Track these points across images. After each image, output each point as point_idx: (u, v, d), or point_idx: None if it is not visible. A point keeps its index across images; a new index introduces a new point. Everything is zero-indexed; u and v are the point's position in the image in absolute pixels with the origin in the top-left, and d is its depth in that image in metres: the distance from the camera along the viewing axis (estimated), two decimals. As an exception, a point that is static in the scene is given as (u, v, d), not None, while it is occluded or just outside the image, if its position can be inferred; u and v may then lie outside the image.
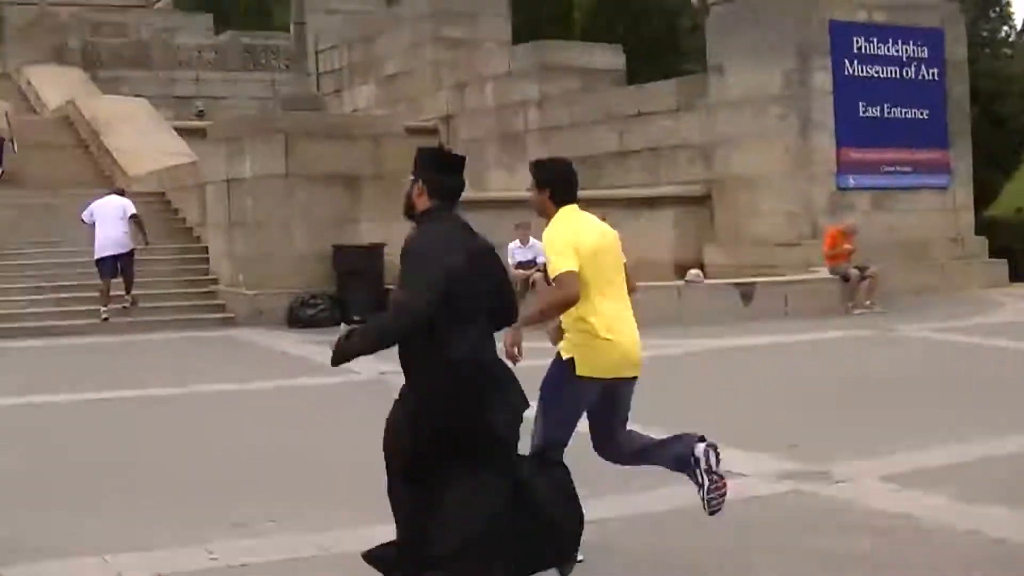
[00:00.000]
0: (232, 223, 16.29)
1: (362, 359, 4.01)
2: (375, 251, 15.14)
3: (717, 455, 4.69)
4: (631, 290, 4.70)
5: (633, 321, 4.64)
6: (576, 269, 4.36)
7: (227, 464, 7.12)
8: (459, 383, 3.76)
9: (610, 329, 4.48)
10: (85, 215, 15.46)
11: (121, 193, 16.24)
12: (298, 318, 15.05)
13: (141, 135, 23.42)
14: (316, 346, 12.23)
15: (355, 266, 15.13)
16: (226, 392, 10.08)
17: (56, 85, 30.26)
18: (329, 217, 15.77)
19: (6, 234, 17.55)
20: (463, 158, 4.13)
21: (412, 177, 4.01)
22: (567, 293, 4.34)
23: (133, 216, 15.45)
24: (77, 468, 7.04)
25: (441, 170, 4.00)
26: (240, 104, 32.50)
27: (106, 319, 14.95)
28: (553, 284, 4.40)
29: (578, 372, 4.47)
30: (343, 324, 13.22)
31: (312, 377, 10.60)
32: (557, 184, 4.59)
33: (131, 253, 15.32)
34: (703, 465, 4.63)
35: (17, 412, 9.04)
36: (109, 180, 21.32)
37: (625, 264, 4.72)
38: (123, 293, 15.31)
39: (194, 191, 18.43)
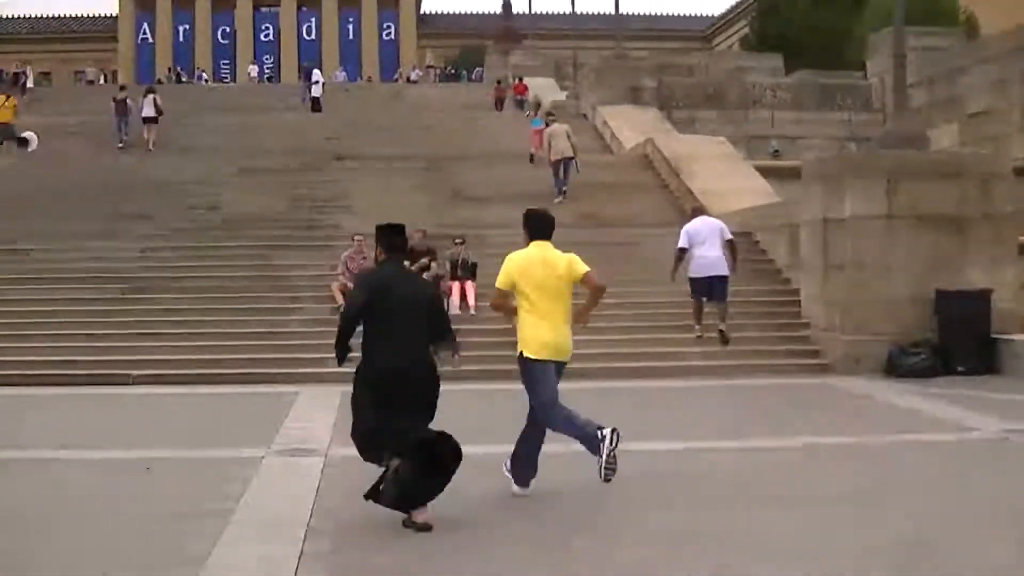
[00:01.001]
0: (828, 265, 19.67)
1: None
2: (982, 297, 17.76)
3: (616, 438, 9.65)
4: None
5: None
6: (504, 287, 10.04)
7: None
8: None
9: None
10: (680, 243, 19.96)
11: (704, 212, 20.73)
12: (898, 366, 17.96)
13: (722, 174, 28.39)
14: (922, 399, 14.71)
15: (960, 313, 17.80)
16: (836, 447, 12.17)
17: (631, 124, 36.64)
18: (931, 260, 18.68)
19: (599, 271, 22.65)
20: (396, 226, 9.51)
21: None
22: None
23: (729, 241, 19.82)
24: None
25: (390, 237, 9.48)
26: (815, 144, 37.12)
27: (699, 336, 19.55)
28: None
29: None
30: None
31: (924, 433, 12.72)
32: (531, 223, 10.29)
33: (726, 278, 19.59)
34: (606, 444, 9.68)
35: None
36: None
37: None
38: (716, 322, 19.63)
39: (783, 231, 22.33)
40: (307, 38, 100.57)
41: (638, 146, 33.76)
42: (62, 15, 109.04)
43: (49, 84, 74.32)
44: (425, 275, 21.65)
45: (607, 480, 9.67)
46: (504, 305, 10.26)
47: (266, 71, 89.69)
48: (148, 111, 38.61)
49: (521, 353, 10.01)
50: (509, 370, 18.94)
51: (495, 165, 32.96)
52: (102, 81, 75.42)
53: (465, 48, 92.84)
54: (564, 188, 29.51)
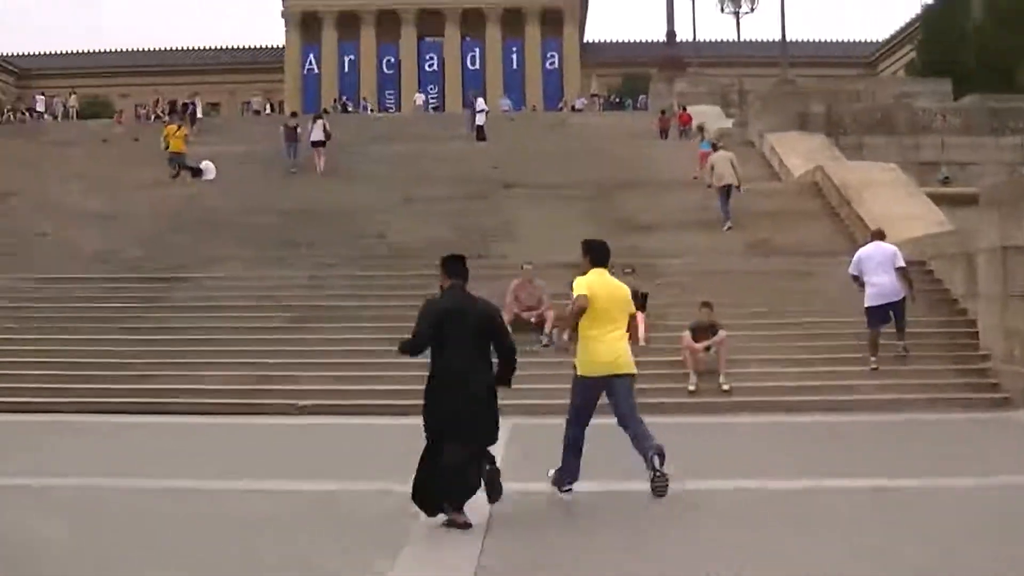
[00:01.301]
0: (1007, 294, 19.07)
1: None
2: None
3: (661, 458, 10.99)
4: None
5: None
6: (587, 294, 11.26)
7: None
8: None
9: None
10: (852, 269, 19.87)
11: (882, 237, 20.35)
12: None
13: (893, 202, 27.85)
14: None
15: None
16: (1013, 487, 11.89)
17: (799, 151, 36.12)
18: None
19: (772, 300, 22.60)
20: (458, 257, 11.14)
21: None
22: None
23: (901, 268, 19.50)
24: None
25: (453, 265, 11.07)
26: (987, 170, 36.32)
27: (875, 368, 19.29)
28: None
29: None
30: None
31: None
32: (589, 251, 11.81)
33: (903, 300, 19.40)
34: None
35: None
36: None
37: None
38: (896, 341, 19.55)
39: (959, 260, 21.70)
40: (471, 67, 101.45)
41: (807, 173, 33.48)
42: (230, 47, 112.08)
43: (217, 114, 76.33)
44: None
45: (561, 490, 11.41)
46: (576, 316, 11.53)
47: (431, 100, 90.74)
48: (317, 135, 39.61)
49: (575, 369, 11.68)
50: (681, 403, 19.10)
51: (662, 193, 32.76)
52: (268, 111, 77.23)
53: (628, 76, 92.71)
54: (728, 216, 29.53)
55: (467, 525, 10.12)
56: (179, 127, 39.82)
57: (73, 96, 70.23)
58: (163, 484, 12.60)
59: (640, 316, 21.42)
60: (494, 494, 10.49)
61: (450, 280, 11.09)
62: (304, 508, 11.37)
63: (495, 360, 10.84)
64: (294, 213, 30.92)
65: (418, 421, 16.89)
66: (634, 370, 11.72)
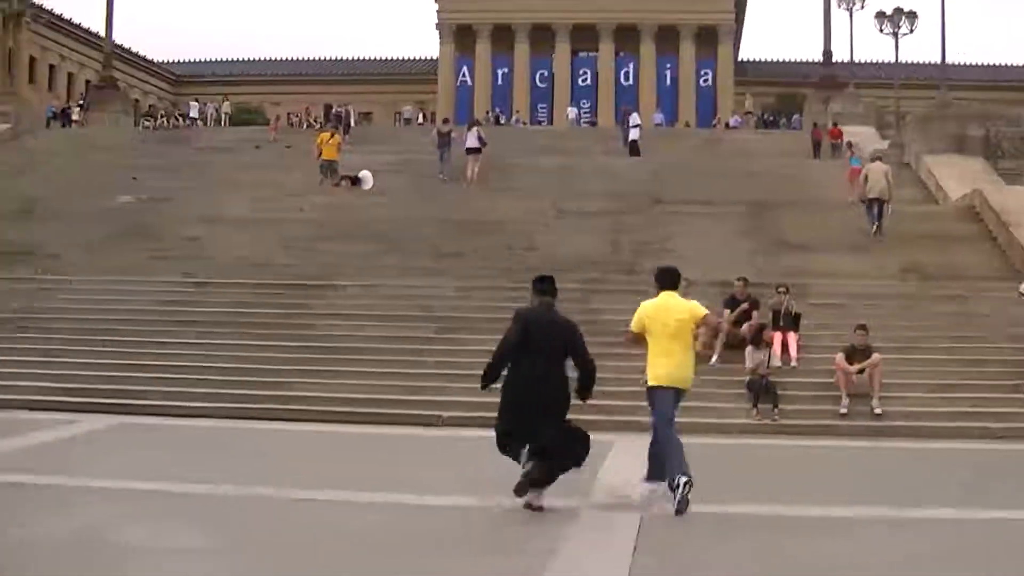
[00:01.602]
0: None
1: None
2: None
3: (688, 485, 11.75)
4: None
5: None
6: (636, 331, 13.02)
7: None
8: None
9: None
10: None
11: None
12: None
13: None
14: None
15: None
16: None
17: (957, 174, 35.43)
18: None
19: (926, 324, 21.97)
20: (548, 277, 12.61)
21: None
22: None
23: None
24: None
25: (544, 285, 12.51)
26: None
27: None
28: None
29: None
30: None
31: None
32: (659, 278, 13.14)
33: None
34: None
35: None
36: (1020, 274, 25.21)
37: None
38: None
39: None
40: (624, 83, 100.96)
41: (964, 197, 32.83)
42: (382, 57, 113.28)
43: (369, 124, 77.13)
44: (746, 326, 21.18)
45: (679, 512, 11.79)
46: (635, 343, 13.44)
47: (583, 115, 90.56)
48: (472, 142, 39.74)
49: (647, 381, 12.93)
50: (831, 425, 18.78)
51: (817, 213, 32.24)
52: (420, 120, 77.66)
53: (782, 95, 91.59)
54: (878, 224, 29.43)
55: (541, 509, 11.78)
56: (332, 134, 40.07)
57: (227, 103, 71.39)
58: (301, 495, 12.55)
59: (792, 336, 21.23)
60: (521, 488, 11.74)
61: (539, 298, 12.64)
62: (450, 523, 11.27)
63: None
64: (445, 223, 30.94)
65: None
66: (687, 386, 13.12)
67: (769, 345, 20.71)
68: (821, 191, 35.93)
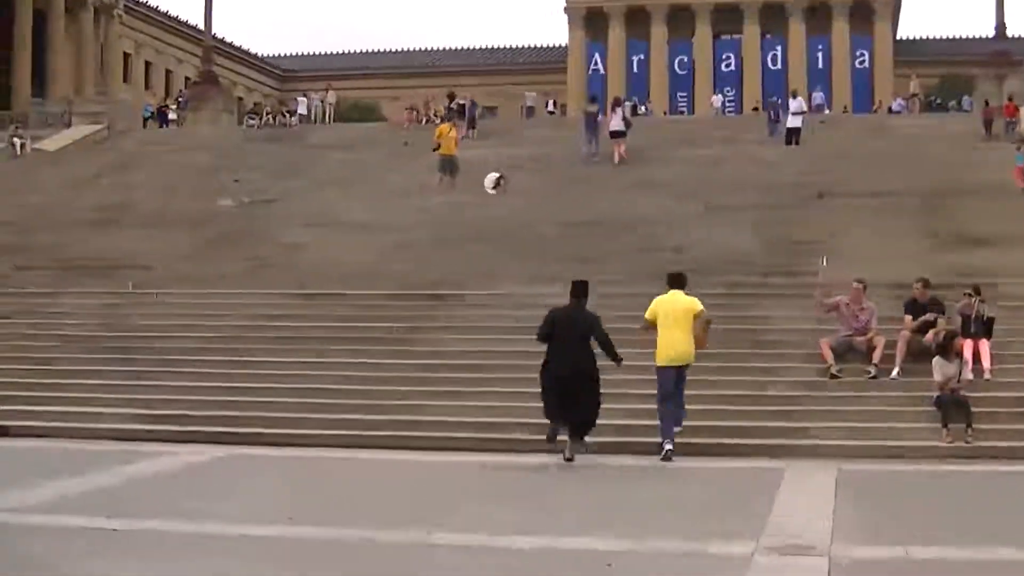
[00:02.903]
0: None
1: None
2: None
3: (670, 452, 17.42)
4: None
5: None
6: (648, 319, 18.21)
7: None
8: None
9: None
10: None
11: None
12: None
13: None
14: None
15: None
16: None
17: None
18: None
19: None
20: (582, 282, 18.07)
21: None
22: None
23: None
24: None
25: (575, 288, 17.99)
26: None
27: None
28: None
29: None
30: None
31: None
32: (669, 280, 18.60)
33: None
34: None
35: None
36: None
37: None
38: None
39: None
40: (772, 67, 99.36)
41: None
42: (506, 46, 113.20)
43: (493, 117, 76.69)
44: (931, 333, 20.09)
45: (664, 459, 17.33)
46: (647, 330, 18.25)
47: (727, 103, 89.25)
48: (617, 125, 40.33)
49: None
50: None
51: (998, 200, 31.17)
52: (550, 108, 76.71)
53: (947, 76, 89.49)
54: None
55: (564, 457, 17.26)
56: (452, 127, 39.44)
57: (331, 92, 70.95)
58: (451, 539, 11.81)
59: (985, 344, 20.24)
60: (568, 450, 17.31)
61: (571, 299, 18.00)
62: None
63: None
64: (579, 223, 30.30)
65: (730, 463, 16.21)
66: (692, 361, 18.13)
67: (960, 355, 19.48)
68: (999, 176, 34.48)
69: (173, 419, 20.04)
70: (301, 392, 20.86)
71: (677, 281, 18.59)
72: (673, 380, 17.83)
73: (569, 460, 17.20)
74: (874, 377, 20.26)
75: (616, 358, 17.60)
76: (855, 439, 18.23)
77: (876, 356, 20.42)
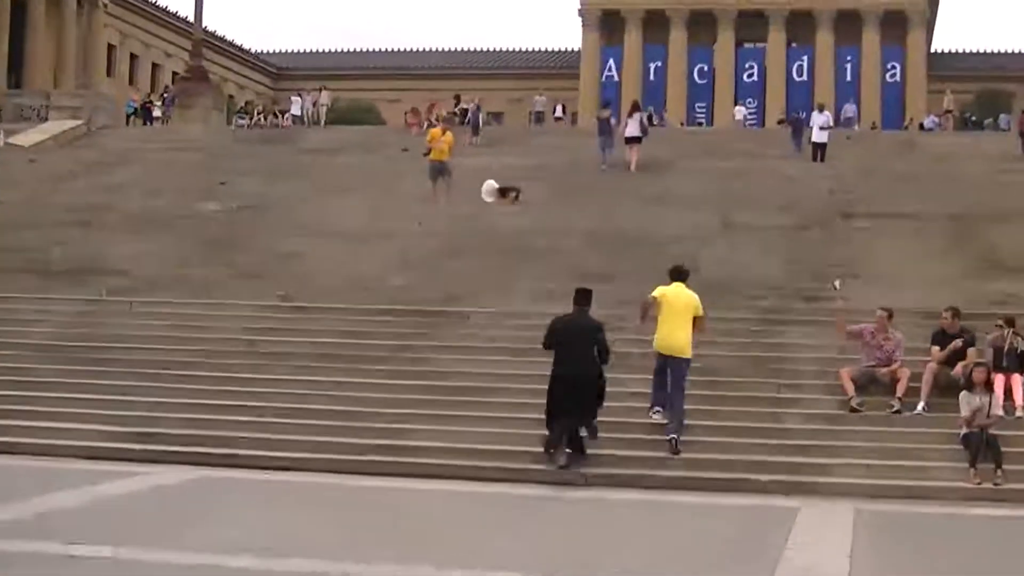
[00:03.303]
0: None
1: None
2: None
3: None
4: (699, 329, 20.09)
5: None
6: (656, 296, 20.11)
7: None
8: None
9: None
10: None
11: None
12: None
13: None
14: None
15: None
16: None
17: None
18: None
19: None
20: (585, 290, 19.54)
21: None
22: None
23: None
24: None
25: (577, 296, 19.55)
26: None
27: None
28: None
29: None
30: None
31: None
32: (671, 274, 20.47)
33: None
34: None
35: None
36: None
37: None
38: None
39: None
40: (797, 78, 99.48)
41: None
42: (514, 48, 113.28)
43: (499, 124, 76.65)
44: (960, 366, 20.02)
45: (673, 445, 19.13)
46: (647, 308, 20.03)
47: (749, 116, 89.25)
48: (633, 130, 40.73)
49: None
50: None
51: (1037, 227, 31.01)
52: (559, 114, 76.60)
53: (984, 92, 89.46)
54: None
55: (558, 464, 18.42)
56: (444, 130, 39.16)
57: (324, 93, 70.90)
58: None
59: (1018, 379, 20.28)
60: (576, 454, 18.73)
61: (576, 306, 19.49)
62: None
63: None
64: (590, 238, 30.32)
65: (742, 500, 16.16)
66: (686, 355, 19.70)
67: (990, 390, 19.38)
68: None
69: (146, 437, 19.94)
70: (285, 412, 20.79)
71: (679, 274, 20.35)
72: (663, 363, 19.79)
73: (563, 467, 18.35)
74: (898, 411, 20.14)
75: (606, 360, 19.09)
76: (876, 477, 18.13)
77: (900, 389, 20.35)
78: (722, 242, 30.06)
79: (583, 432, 18.86)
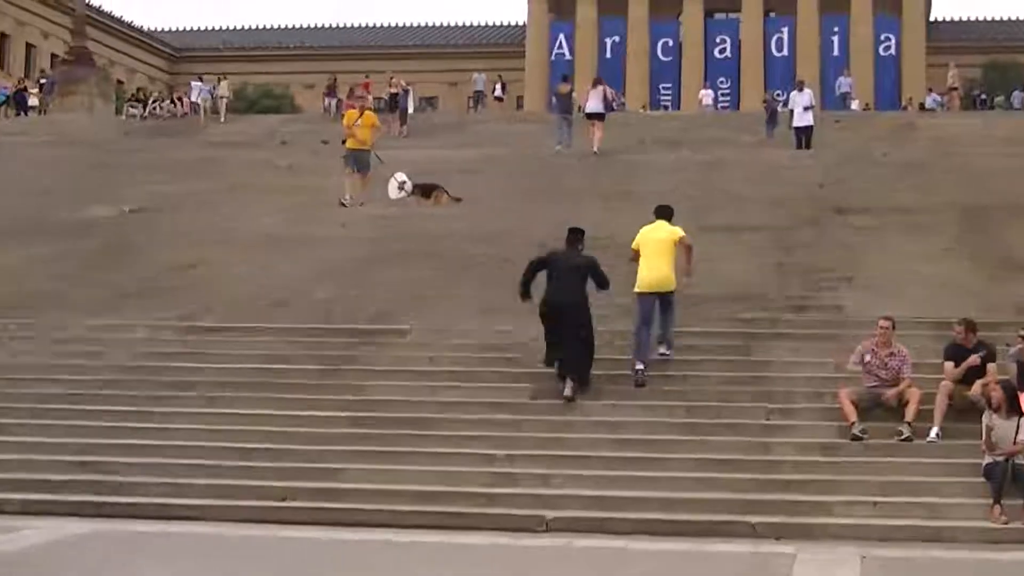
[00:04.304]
0: None
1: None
2: None
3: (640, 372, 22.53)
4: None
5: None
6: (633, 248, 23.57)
7: None
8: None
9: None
10: None
11: None
12: None
13: None
14: None
15: None
16: None
17: None
18: None
19: None
20: (577, 228, 23.32)
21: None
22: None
23: None
24: None
25: (574, 235, 23.15)
26: None
27: None
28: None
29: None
30: None
31: None
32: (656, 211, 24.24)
33: None
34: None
35: None
36: None
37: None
38: None
39: None
40: (776, 53, 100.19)
41: None
42: (448, 24, 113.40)
43: (433, 108, 76.55)
44: (978, 384, 20.01)
45: (637, 385, 21.91)
46: (636, 260, 22.77)
47: (721, 98, 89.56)
48: (595, 106, 41.84)
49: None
50: None
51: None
52: (499, 93, 76.44)
53: (993, 65, 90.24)
54: None
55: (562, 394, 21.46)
56: (362, 111, 38.43)
57: (224, 82, 70.38)
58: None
59: None
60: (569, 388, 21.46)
61: (566, 244, 22.68)
62: None
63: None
64: (542, 243, 29.88)
65: (727, 546, 16.07)
66: (670, 288, 22.59)
67: (1017, 411, 19.35)
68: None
69: (24, 485, 19.52)
70: (191, 451, 20.51)
71: (663, 212, 23.66)
72: (652, 307, 22.44)
73: (569, 399, 21.41)
74: (907, 439, 19.98)
75: (604, 286, 22.32)
76: (883, 517, 18.06)
77: (910, 413, 20.24)
78: (697, 246, 29.95)
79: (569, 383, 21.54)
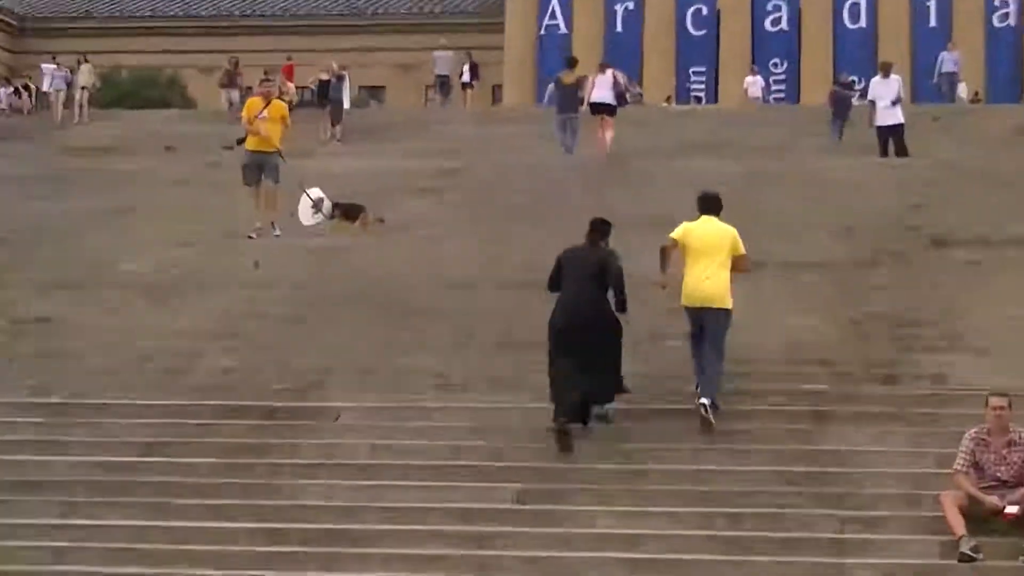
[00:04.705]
0: None
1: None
2: None
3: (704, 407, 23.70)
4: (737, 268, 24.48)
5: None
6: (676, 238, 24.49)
7: None
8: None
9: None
10: None
11: None
12: None
13: None
14: None
15: None
16: None
17: None
18: None
19: None
20: (597, 220, 24.71)
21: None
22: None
23: None
24: None
25: (594, 226, 24.63)
26: None
27: None
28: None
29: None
30: None
31: None
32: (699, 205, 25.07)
33: None
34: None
35: None
36: None
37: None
38: None
39: None
40: (851, 25, 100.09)
41: None
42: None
43: (379, 102, 76.80)
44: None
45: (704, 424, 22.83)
46: (668, 252, 23.67)
47: (774, 87, 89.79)
48: (601, 94, 43.70)
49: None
50: None
51: None
52: (467, 77, 76.54)
53: None
54: None
55: (559, 433, 22.08)
56: (268, 99, 37.59)
57: (86, 66, 69.85)
58: None
59: None
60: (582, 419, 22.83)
61: (587, 237, 23.81)
62: None
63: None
64: (524, 284, 29.74)
65: None
66: (724, 305, 23.40)
67: None
68: None
69: None
70: (42, 577, 20.50)
71: (710, 204, 24.10)
72: (696, 323, 23.51)
73: (585, 425, 23.10)
74: None
75: (623, 305, 23.14)
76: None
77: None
78: (737, 291, 29.92)
79: (596, 411, 23.18)
